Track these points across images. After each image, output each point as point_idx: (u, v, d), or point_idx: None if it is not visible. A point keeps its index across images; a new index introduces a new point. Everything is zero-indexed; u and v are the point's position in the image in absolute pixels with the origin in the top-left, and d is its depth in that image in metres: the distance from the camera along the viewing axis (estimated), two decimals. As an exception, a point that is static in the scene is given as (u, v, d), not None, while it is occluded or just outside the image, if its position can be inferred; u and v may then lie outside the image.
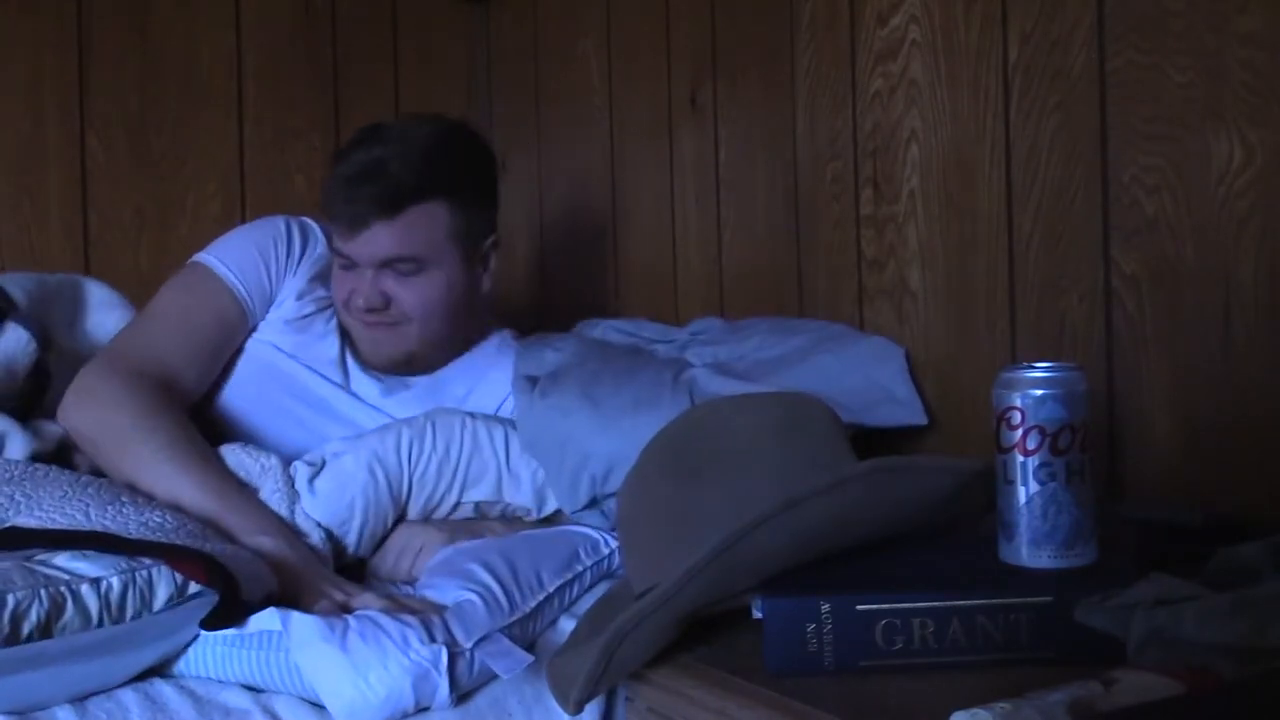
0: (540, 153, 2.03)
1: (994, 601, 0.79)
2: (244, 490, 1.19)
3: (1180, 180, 1.08)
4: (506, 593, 1.08)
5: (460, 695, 0.98)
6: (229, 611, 0.95)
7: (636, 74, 1.79)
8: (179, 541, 1.00)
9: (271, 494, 1.20)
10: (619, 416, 1.23)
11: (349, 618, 0.99)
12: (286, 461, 1.24)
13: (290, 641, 0.96)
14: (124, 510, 1.04)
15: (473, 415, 1.31)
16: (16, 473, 1.10)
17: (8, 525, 1.00)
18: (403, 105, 2.06)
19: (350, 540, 1.22)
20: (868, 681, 0.78)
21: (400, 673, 0.94)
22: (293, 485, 1.21)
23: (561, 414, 1.26)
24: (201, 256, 1.38)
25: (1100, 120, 1.14)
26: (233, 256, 1.37)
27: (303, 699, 0.96)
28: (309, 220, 1.45)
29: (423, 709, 0.96)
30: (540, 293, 2.03)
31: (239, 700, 0.95)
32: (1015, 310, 1.24)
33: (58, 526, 1.00)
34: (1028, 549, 0.83)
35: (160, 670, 0.99)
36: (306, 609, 1.01)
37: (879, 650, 0.79)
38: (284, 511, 1.19)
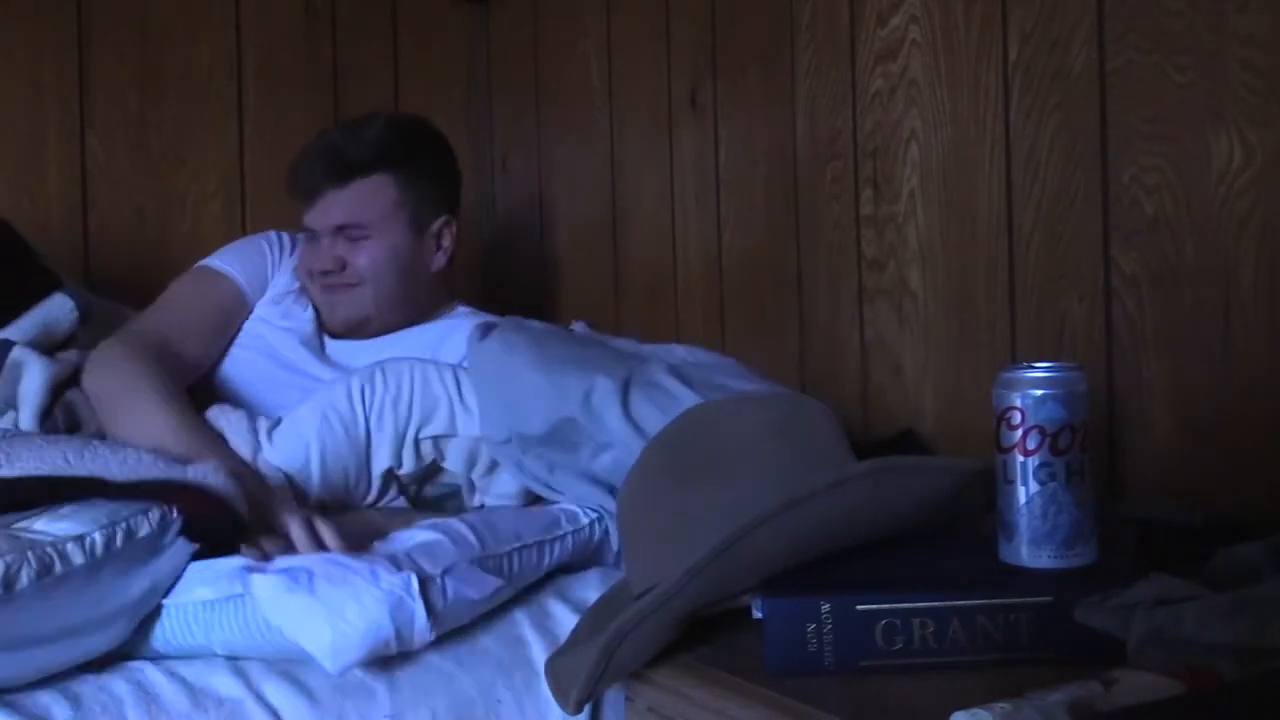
0: (540, 153, 2.03)
1: (994, 601, 0.79)
2: (215, 438, 1.29)
3: (1180, 180, 1.08)
4: (476, 534, 1.09)
5: (440, 635, 0.99)
6: (219, 527, 1.02)
7: (636, 74, 1.79)
8: (160, 476, 1.04)
9: (238, 445, 1.28)
10: (559, 366, 1.23)
11: (311, 564, 0.99)
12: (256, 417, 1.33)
13: (258, 601, 0.96)
14: (100, 453, 1.08)
15: (421, 360, 1.34)
16: None
17: None
18: (403, 105, 2.06)
19: (313, 485, 1.27)
20: (868, 681, 0.78)
21: (374, 603, 0.95)
22: (255, 435, 1.29)
23: (505, 348, 1.26)
24: (205, 260, 1.57)
25: (1100, 120, 1.14)
26: (232, 255, 1.58)
27: (298, 685, 0.96)
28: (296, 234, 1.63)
29: (404, 644, 0.96)
30: (540, 293, 2.03)
31: (231, 689, 0.95)
32: (1015, 310, 1.24)
33: (42, 473, 1.01)
34: (1028, 549, 0.83)
35: (148, 653, 0.98)
36: (276, 530, 1.10)
37: (879, 650, 0.79)
38: (248, 458, 1.27)
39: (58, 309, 1.35)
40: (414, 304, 1.56)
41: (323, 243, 1.52)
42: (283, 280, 1.57)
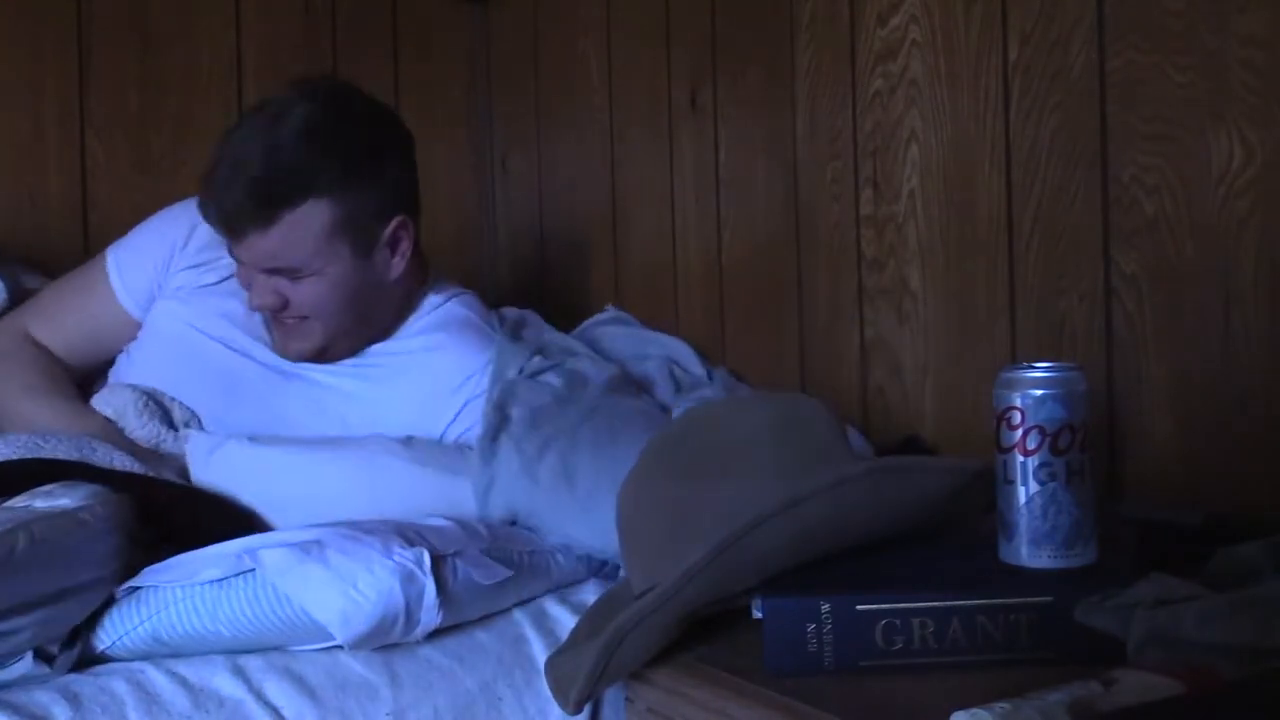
0: (540, 153, 2.03)
1: (994, 601, 0.79)
2: (77, 406, 1.32)
3: (1180, 180, 1.08)
4: (488, 529, 1.09)
5: (441, 629, 0.99)
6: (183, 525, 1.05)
7: (636, 74, 1.79)
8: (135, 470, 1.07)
9: (134, 429, 1.28)
10: (594, 499, 1.15)
11: (322, 536, 0.99)
12: (147, 395, 1.31)
13: (269, 574, 0.96)
14: (61, 442, 1.10)
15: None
16: None
17: None
18: (403, 105, 2.05)
19: None
20: (868, 681, 0.78)
21: (387, 574, 0.95)
22: (155, 419, 1.29)
23: (531, 482, 1.19)
24: (108, 251, 1.46)
25: (1100, 120, 1.14)
26: (126, 260, 1.44)
27: (299, 683, 0.96)
28: None
29: (411, 622, 0.96)
30: (540, 293, 2.03)
31: (232, 689, 0.94)
32: (1015, 310, 1.24)
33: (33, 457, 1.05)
34: (1028, 549, 0.83)
35: (150, 640, 0.98)
36: None
37: (879, 650, 0.79)
38: (146, 440, 1.28)
39: None
40: (377, 317, 1.39)
41: (258, 278, 1.30)
42: (188, 267, 1.41)
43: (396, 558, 0.97)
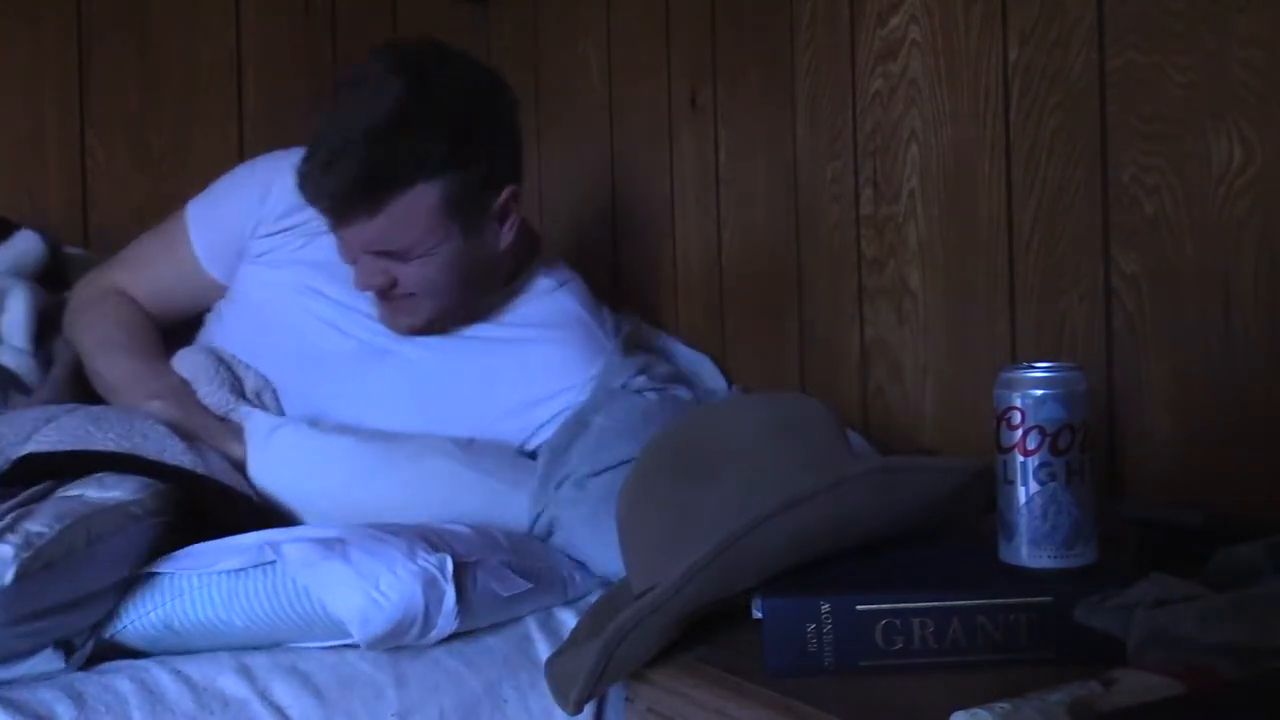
0: (540, 153, 2.03)
1: (994, 601, 0.79)
2: (153, 365, 1.30)
3: (1180, 180, 1.08)
4: (510, 541, 1.09)
5: (458, 633, 0.99)
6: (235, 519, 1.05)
7: (636, 74, 1.79)
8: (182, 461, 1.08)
9: (206, 394, 1.28)
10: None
11: (346, 535, 0.99)
12: (221, 362, 1.31)
13: (291, 568, 0.95)
14: (113, 424, 1.10)
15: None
16: None
17: (23, 455, 1.03)
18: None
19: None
20: (868, 681, 0.78)
21: (410, 577, 0.95)
22: (228, 387, 1.29)
23: (582, 521, 1.16)
24: (189, 206, 1.44)
25: (1100, 120, 1.14)
26: (203, 217, 1.42)
27: (305, 683, 0.96)
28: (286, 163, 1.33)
29: (429, 625, 0.96)
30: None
31: (237, 689, 0.94)
32: (1015, 310, 1.24)
33: (68, 448, 1.04)
34: (1028, 549, 0.83)
35: (161, 627, 0.98)
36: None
37: (879, 650, 0.79)
38: (216, 406, 1.27)
39: (24, 242, 1.37)
40: (488, 288, 1.35)
41: (364, 259, 1.26)
42: (260, 240, 1.39)
43: (420, 561, 0.96)
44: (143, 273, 1.43)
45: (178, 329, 1.43)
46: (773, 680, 0.79)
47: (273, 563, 0.97)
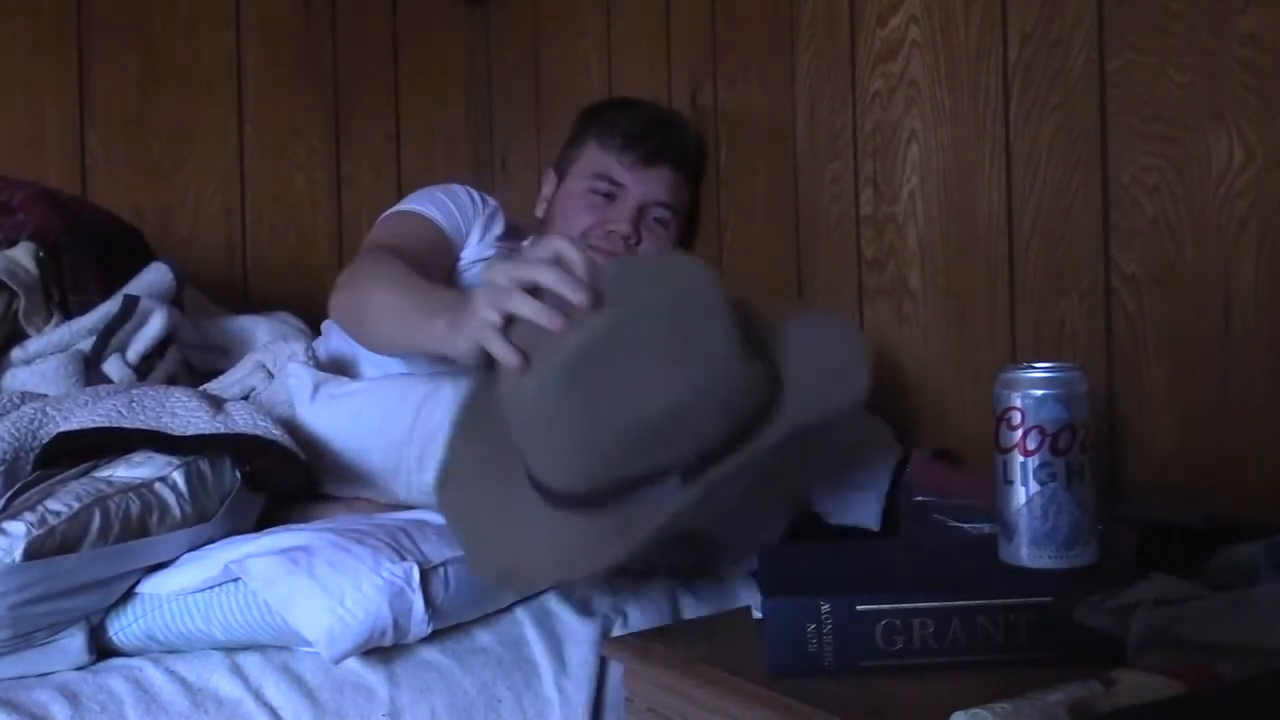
0: (540, 153, 2.02)
1: (994, 601, 0.79)
2: (435, 291, 1.16)
3: (1180, 180, 1.08)
4: None
5: (438, 630, 0.99)
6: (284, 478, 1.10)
7: (636, 74, 1.79)
8: (216, 430, 1.08)
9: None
10: None
11: (311, 544, 0.98)
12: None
13: (254, 584, 0.95)
14: (147, 406, 1.11)
15: None
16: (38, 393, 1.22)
17: (59, 432, 1.05)
18: (403, 105, 2.06)
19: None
20: (868, 681, 0.78)
21: (375, 592, 0.94)
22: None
23: None
24: (393, 209, 1.47)
25: (1100, 120, 1.14)
26: (421, 201, 1.45)
27: (297, 683, 0.96)
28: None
29: (400, 635, 0.96)
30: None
31: (231, 689, 0.94)
32: (1015, 310, 1.24)
33: (99, 424, 1.06)
34: (1028, 549, 0.83)
35: (149, 643, 0.98)
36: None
37: (879, 650, 0.79)
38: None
39: (155, 273, 1.45)
40: None
41: (627, 207, 1.50)
42: (478, 235, 1.45)
43: (385, 574, 0.95)
44: (400, 239, 1.37)
45: None
46: (773, 680, 0.79)
47: (239, 579, 0.97)
